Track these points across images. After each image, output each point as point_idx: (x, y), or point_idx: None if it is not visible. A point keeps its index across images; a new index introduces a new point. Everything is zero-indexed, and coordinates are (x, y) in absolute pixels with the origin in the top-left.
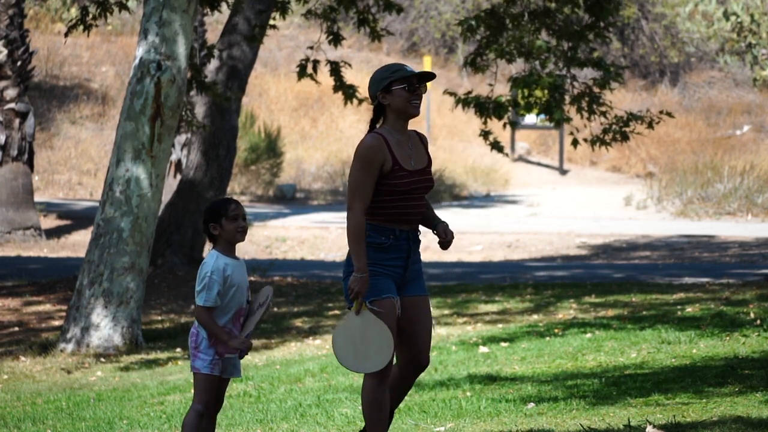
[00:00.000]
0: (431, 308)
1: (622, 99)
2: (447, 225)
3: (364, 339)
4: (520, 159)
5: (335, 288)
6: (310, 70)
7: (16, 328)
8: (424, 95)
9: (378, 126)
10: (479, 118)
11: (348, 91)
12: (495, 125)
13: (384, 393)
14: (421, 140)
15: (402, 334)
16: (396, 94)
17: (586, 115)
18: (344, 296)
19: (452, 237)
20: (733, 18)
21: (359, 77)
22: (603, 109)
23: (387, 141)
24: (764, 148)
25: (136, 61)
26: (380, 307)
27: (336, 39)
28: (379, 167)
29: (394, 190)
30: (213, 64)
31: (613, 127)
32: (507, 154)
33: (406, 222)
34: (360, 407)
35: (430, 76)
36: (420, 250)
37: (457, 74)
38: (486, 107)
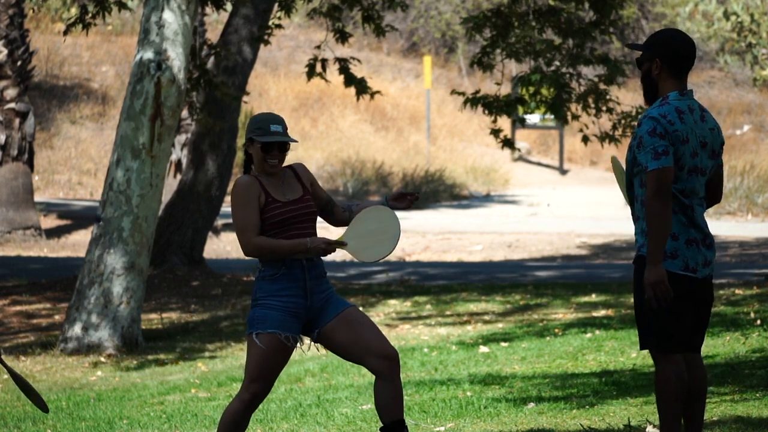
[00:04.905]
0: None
1: (622, 99)
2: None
3: (371, 234)
4: (520, 159)
5: (335, 288)
6: (319, 69)
7: (16, 328)
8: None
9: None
10: (489, 117)
11: (359, 86)
12: (500, 125)
13: (246, 419)
14: (296, 173)
15: (352, 347)
16: (255, 148)
17: (593, 112)
18: (247, 324)
19: (413, 197)
20: (733, 18)
21: (361, 77)
22: (610, 105)
23: (259, 179)
24: (764, 148)
25: (136, 61)
26: (261, 342)
27: (343, 36)
28: (257, 200)
29: (272, 223)
30: (213, 64)
31: (622, 122)
32: (519, 149)
33: None
34: (359, 406)
35: (284, 146)
36: (419, 249)
37: (457, 74)
38: (494, 106)
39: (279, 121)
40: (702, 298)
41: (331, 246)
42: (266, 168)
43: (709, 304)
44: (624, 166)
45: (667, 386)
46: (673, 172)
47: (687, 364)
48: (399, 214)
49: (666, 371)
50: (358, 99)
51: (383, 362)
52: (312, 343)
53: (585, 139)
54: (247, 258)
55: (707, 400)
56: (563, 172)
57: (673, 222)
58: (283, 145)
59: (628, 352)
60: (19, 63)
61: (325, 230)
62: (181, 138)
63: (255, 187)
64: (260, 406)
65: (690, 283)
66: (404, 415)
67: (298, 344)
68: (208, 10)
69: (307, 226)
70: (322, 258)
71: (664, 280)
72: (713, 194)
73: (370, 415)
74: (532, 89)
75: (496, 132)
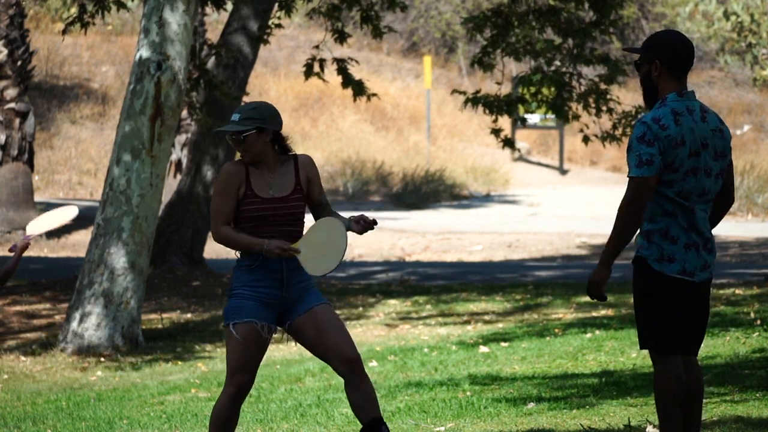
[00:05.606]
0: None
1: (622, 99)
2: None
3: (320, 246)
4: (520, 159)
5: (335, 288)
6: (317, 69)
7: (17, 328)
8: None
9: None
10: (489, 117)
11: (357, 87)
12: (500, 125)
13: (234, 412)
14: (297, 165)
15: (317, 346)
16: None
17: (593, 111)
18: (224, 315)
19: (368, 224)
20: (733, 18)
21: (360, 77)
22: (610, 105)
23: (247, 168)
24: (764, 148)
25: (136, 60)
26: (238, 332)
27: (342, 37)
28: (236, 191)
29: (248, 217)
30: (213, 64)
31: (622, 122)
32: (519, 149)
33: None
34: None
35: (237, 135)
36: (419, 249)
37: (457, 74)
38: (495, 105)
39: (240, 109)
40: (699, 301)
41: (285, 252)
42: (241, 156)
43: (707, 308)
44: None
45: (665, 387)
46: (654, 182)
47: (684, 366)
48: (405, 212)
49: (664, 373)
50: (355, 100)
51: (343, 366)
52: (285, 334)
53: (586, 139)
54: None
55: (707, 401)
56: (563, 172)
57: (672, 225)
58: (236, 134)
59: (628, 352)
60: (19, 63)
61: None
62: (181, 138)
63: (237, 177)
64: (260, 406)
65: (687, 287)
66: (380, 412)
67: (274, 334)
68: (208, 10)
69: (287, 225)
70: None
71: (601, 284)
72: (725, 197)
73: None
74: (533, 89)
75: (496, 132)
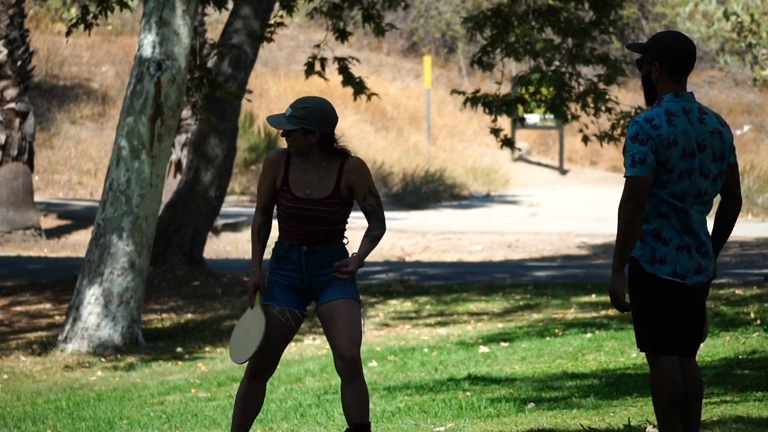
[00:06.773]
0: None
1: (622, 99)
2: (356, 257)
3: (248, 330)
4: (520, 159)
5: None
6: (318, 67)
7: (17, 328)
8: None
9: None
10: (489, 117)
11: (357, 86)
12: (500, 124)
13: (249, 391)
14: (342, 169)
15: (327, 336)
16: None
17: (592, 111)
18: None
19: (349, 269)
20: (733, 18)
21: (360, 77)
22: (609, 105)
23: (289, 160)
24: (764, 148)
25: (136, 60)
26: None
27: (343, 35)
28: (272, 180)
29: (282, 210)
30: (213, 63)
31: (621, 122)
32: (519, 149)
33: (294, 239)
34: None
35: (286, 133)
36: (419, 249)
37: (457, 74)
38: (494, 105)
39: (293, 104)
40: (693, 304)
41: (247, 294)
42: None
43: (702, 311)
44: None
45: (661, 388)
46: (649, 181)
47: (682, 368)
48: (405, 212)
49: (660, 374)
50: (355, 99)
51: (340, 363)
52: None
53: (585, 139)
54: (246, 258)
55: (707, 401)
56: (563, 172)
57: (665, 227)
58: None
59: (628, 352)
60: (19, 63)
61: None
62: (181, 138)
63: (276, 167)
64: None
65: (679, 289)
66: (368, 418)
67: (303, 319)
68: (208, 10)
69: (318, 226)
70: (329, 247)
71: (618, 292)
72: (730, 200)
73: (370, 416)
74: (532, 89)
75: (496, 132)
